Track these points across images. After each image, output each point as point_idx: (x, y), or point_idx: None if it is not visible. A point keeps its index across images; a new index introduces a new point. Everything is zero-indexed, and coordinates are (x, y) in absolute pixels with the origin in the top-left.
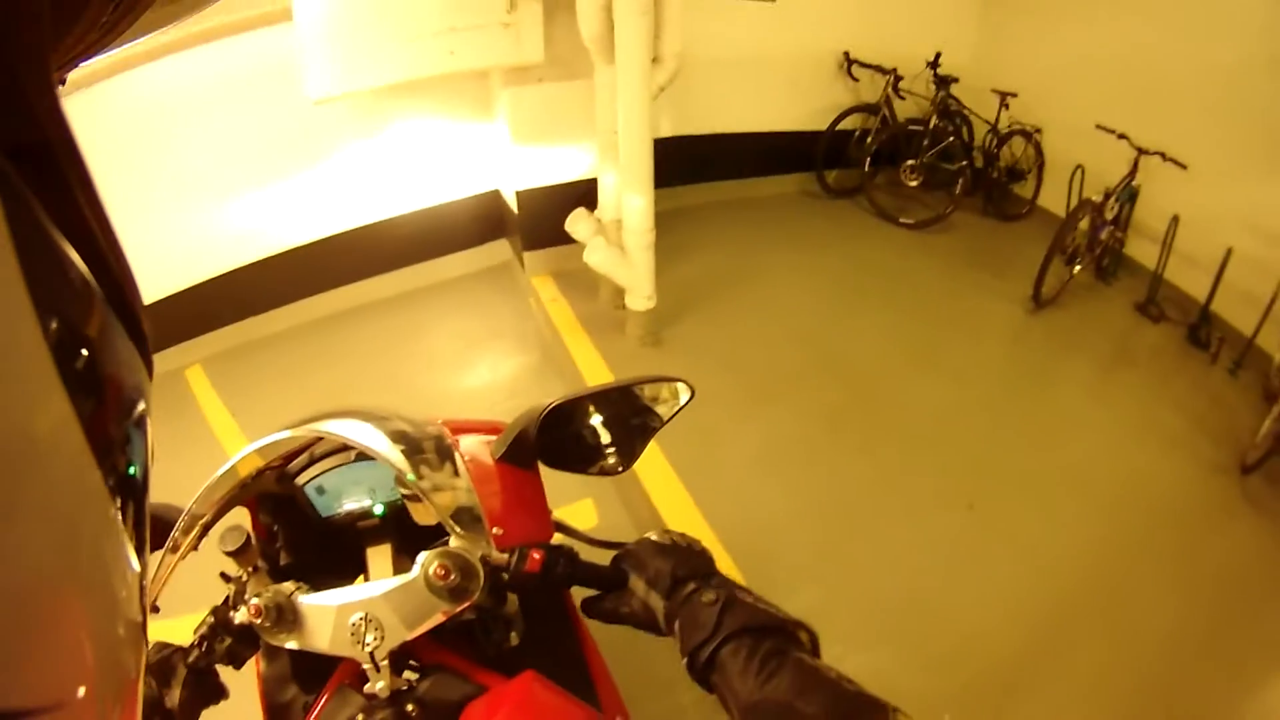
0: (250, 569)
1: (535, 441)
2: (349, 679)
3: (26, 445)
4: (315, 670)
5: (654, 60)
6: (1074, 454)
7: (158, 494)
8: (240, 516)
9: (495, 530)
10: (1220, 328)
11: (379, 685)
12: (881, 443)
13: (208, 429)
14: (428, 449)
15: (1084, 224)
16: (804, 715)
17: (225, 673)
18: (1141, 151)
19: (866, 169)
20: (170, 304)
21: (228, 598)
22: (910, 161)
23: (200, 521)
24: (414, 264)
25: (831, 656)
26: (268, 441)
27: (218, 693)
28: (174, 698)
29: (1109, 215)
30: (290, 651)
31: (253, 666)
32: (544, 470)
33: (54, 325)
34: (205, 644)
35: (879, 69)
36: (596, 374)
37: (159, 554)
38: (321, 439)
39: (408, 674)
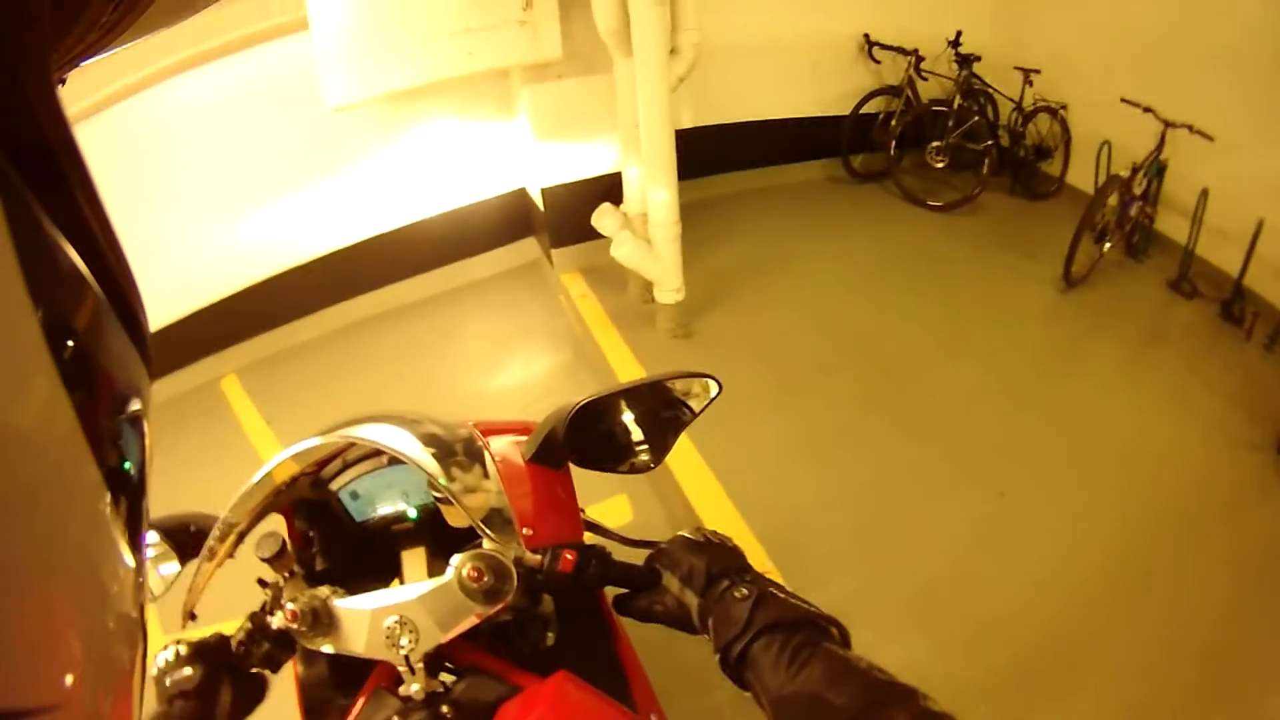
0: (286, 574)
1: (565, 441)
2: (385, 682)
3: (17, 423)
4: (352, 673)
5: (672, 51)
6: (1107, 435)
7: (197, 503)
8: (276, 523)
9: (525, 531)
10: (1254, 302)
11: (414, 688)
12: (913, 429)
13: (244, 437)
14: (458, 451)
15: (1113, 200)
16: (834, 706)
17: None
18: (1168, 124)
19: (892, 152)
20: (204, 316)
21: (264, 603)
22: (936, 143)
23: (236, 529)
24: (443, 266)
25: (864, 644)
26: (300, 449)
27: (263, 691)
28: (224, 704)
29: (1137, 190)
30: (327, 655)
31: (290, 670)
32: (576, 468)
33: (41, 312)
34: (243, 649)
35: (900, 50)
36: (628, 369)
37: (196, 562)
38: (354, 445)
39: (444, 676)
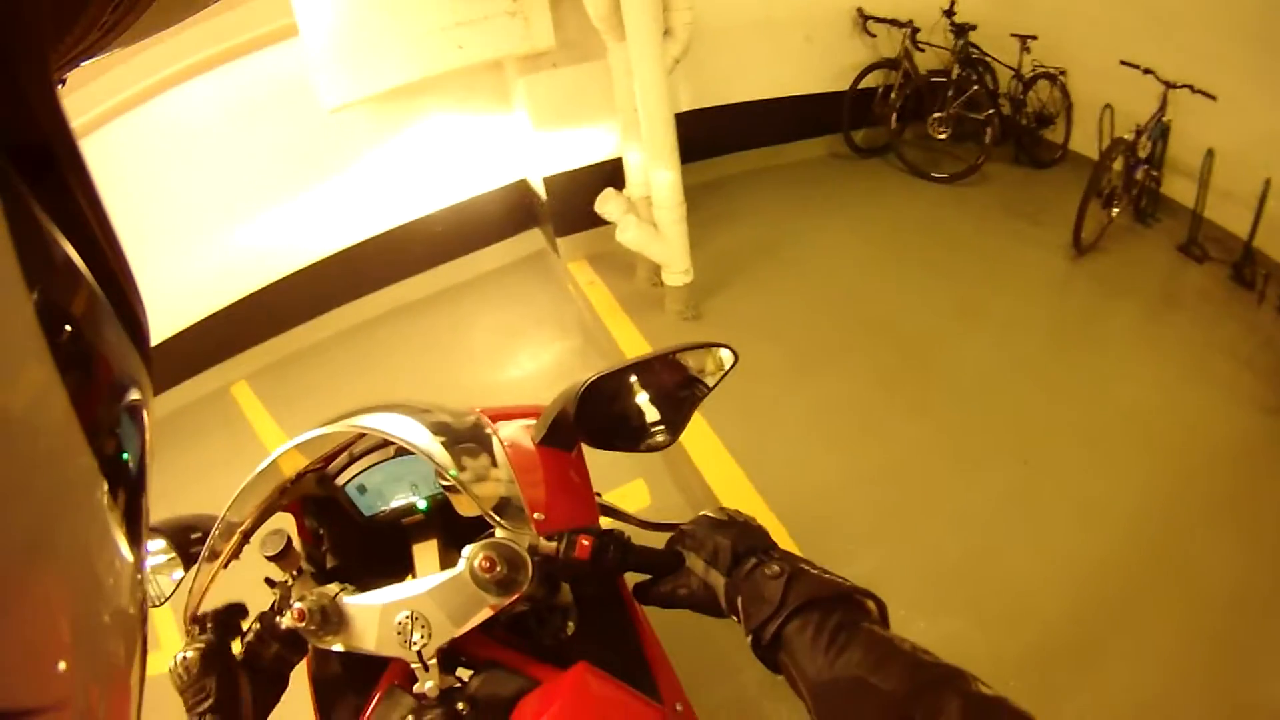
0: (294, 573)
1: (575, 421)
2: (399, 679)
3: (9, 406)
4: (366, 671)
5: (665, 33)
6: (1125, 402)
7: (212, 509)
8: (284, 522)
9: (537, 516)
10: (1265, 264)
11: (428, 685)
12: (930, 404)
13: (258, 443)
14: (466, 439)
15: (1118, 165)
16: (880, 691)
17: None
18: (1169, 85)
19: (893, 125)
20: (212, 323)
21: (273, 603)
22: (937, 114)
23: (239, 529)
24: (448, 261)
25: (895, 622)
26: (304, 439)
27: (284, 681)
28: (247, 709)
29: (1142, 154)
30: (340, 654)
31: (304, 669)
32: (594, 453)
33: (36, 298)
34: (253, 651)
35: (895, 22)
36: (639, 353)
37: (198, 563)
38: (360, 438)
39: (461, 671)
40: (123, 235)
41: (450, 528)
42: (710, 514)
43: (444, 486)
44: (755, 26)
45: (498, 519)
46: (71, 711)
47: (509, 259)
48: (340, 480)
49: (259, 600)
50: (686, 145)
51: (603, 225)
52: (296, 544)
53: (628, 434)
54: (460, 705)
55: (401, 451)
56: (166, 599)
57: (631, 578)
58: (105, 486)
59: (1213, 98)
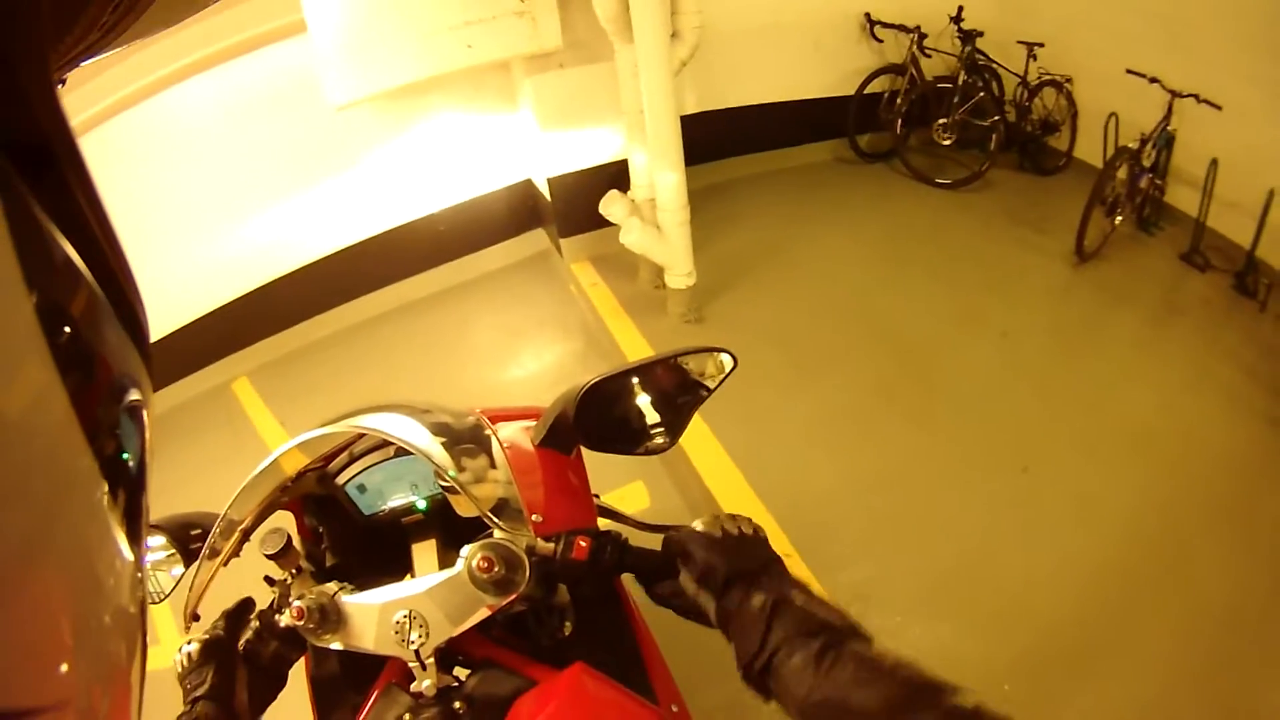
0: (293, 571)
1: (575, 424)
2: (396, 678)
3: (9, 407)
4: (364, 670)
5: (673, 36)
6: (1126, 410)
7: (211, 507)
8: (284, 521)
9: (535, 518)
10: (1267, 274)
11: (425, 684)
12: (932, 409)
13: (259, 439)
14: (465, 439)
15: (1122, 173)
16: (858, 709)
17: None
18: (1174, 94)
19: (899, 131)
20: (214, 319)
21: (272, 601)
22: (942, 120)
23: (240, 527)
24: (451, 260)
25: (890, 627)
26: (305, 439)
27: (282, 679)
28: (241, 701)
29: (1147, 162)
30: (339, 652)
31: (302, 667)
32: (593, 454)
33: (36, 298)
34: (252, 648)
35: (902, 28)
36: (641, 355)
37: (198, 561)
38: (360, 438)
39: (458, 670)
40: (128, 230)
41: (449, 528)
42: (700, 527)
43: (443, 487)
44: (762, 30)
45: (495, 520)
46: (73, 711)
47: (512, 259)
48: (340, 479)
49: (258, 598)
50: (692, 148)
51: (606, 227)
52: (296, 542)
53: (627, 437)
54: (457, 704)
55: (401, 451)
56: (166, 595)
57: (629, 579)
58: (105, 487)
59: (1218, 107)
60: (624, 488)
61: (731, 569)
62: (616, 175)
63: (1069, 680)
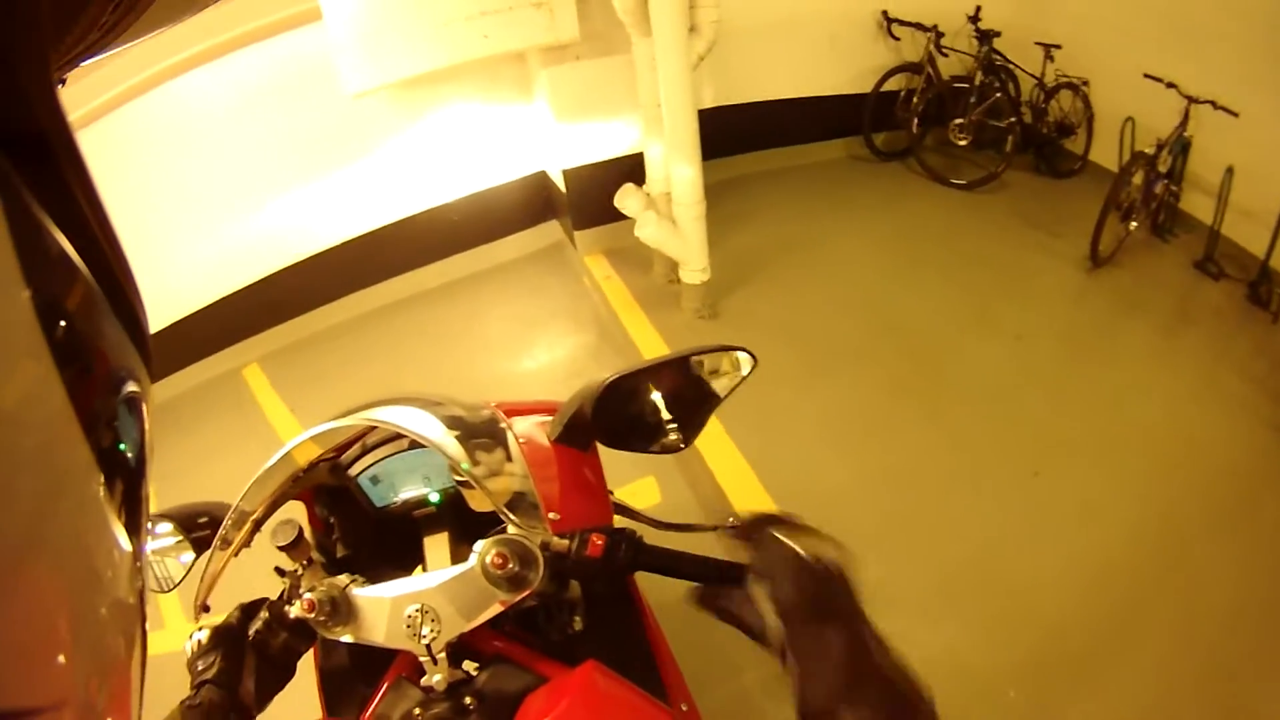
0: (304, 563)
1: (592, 420)
2: (406, 671)
3: (5, 399)
4: (373, 662)
5: (691, 30)
6: (1137, 417)
7: (219, 492)
8: (296, 511)
9: (552, 515)
10: None
11: (435, 678)
12: (943, 410)
13: (268, 426)
14: (481, 434)
15: (1137, 178)
16: None
17: None
18: (1191, 100)
19: (914, 130)
20: (225, 305)
21: (282, 592)
22: (958, 120)
23: (251, 517)
24: (465, 250)
25: (898, 630)
26: (318, 432)
27: (290, 670)
28: (248, 690)
29: (1162, 168)
30: (348, 644)
31: (311, 659)
32: (604, 450)
33: (32, 291)
34: (260, 639)
35: (919, 26)
36: (654, 350)
37: (209, 551)
38: (374, 429)
39: (468, 665)
40: (142, 215)
41: (462, 521)
42: (784, 537)
43: (458, 481)
44: (780, 26)
45: (511, 516)
46: (72, 709)
47: (526, 250)
48: (353, 471)
49: (268, 589)
50: (708, 142)
51: (621, 220)
52: (307, 533)
53: (643, 435)
54: (467, 699)
55: (415, 444)
56: (176, 585)
57: (643, 577)
58: (101, 479)
59: (1234, 114)
60: (635, 483)
61: (818, 604)
62: (632, 168)
63: (1073, 684)
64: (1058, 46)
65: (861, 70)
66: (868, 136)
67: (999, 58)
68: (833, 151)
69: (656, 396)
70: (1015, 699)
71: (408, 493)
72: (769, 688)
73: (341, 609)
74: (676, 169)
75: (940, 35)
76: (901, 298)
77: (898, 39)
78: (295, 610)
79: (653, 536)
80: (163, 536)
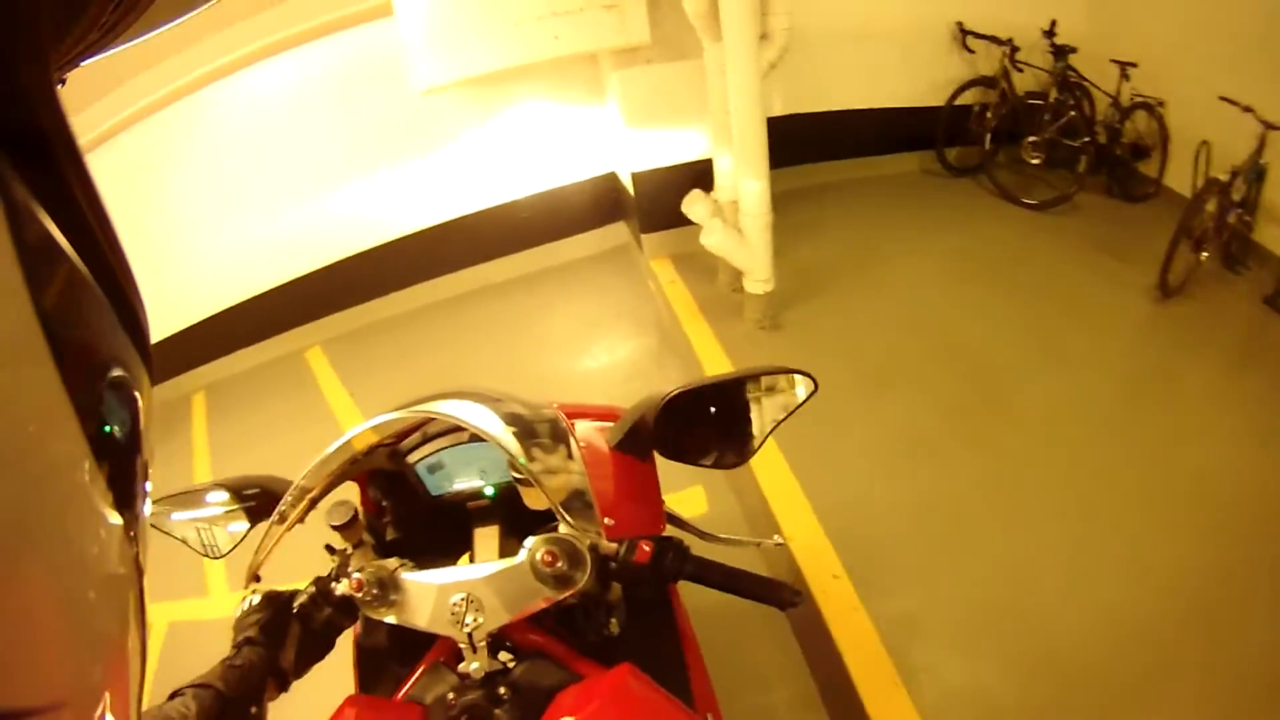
0: (355, 543)
1: (654, 431)
2: (444, 656)
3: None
4: (410, 645)
5: (762, 36)
6: (1196, 461)
7: (273, 466)
8: (349, 491)
9: (607, 520)
10: None
11: (473, 666)
12: (996, 440)
13: (326, 407)
14: (541, 433)
15: (1211, 206)
16: None
17: None
18: (1268, 126)
19: (987, 146)
20: (293, 288)
21: (331, 570)
22: (1031, 138)
23: (309, 495)
24: (533, 247)
25: (930, 663)
26: (380, 421)
27: (330, 644)
28: (288, 657)
29: (1236, 196)
30: (387, 625)
31: (349, 634)
32: (660, 460)
33: (31, 297)
34: (305, 612)
35: (994, 39)
36: (713, 358)
37: (265, 524)
38: (435, 419)
39: (504, 656)
40: (215, 196)
41: (512, 517)
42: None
43: (515, 478)
44: (854, 34)
45: (566, 515)
46: (72, 711)
47: (593, 250)
48: (412, 458)
49: (314, 562)
50: (778, 150)
51: (688, 225)
52: (360, 515)
53: (700, 449)
54: (502, 689)
55: (475, 438)
56: (224, 554)
57: (684, 586)
58: (87, 465)
59: None
60: (683, 491)
61: None
62: (701, 174)
63: None
64: (1134, 65)
65: (936, 82)
66: (940, 151)
67: (1074, 74)
68: (905, 165)
69: (716, 412)
70: None
71: (463, 484)
72: (795, 706)
73: (389, 591)
74: (744, 178)
75: (1015, 49)
76: (963, 320)
77: (972, 51)
78: (342, 588)
79: (699, 547)
80: (215, 505)
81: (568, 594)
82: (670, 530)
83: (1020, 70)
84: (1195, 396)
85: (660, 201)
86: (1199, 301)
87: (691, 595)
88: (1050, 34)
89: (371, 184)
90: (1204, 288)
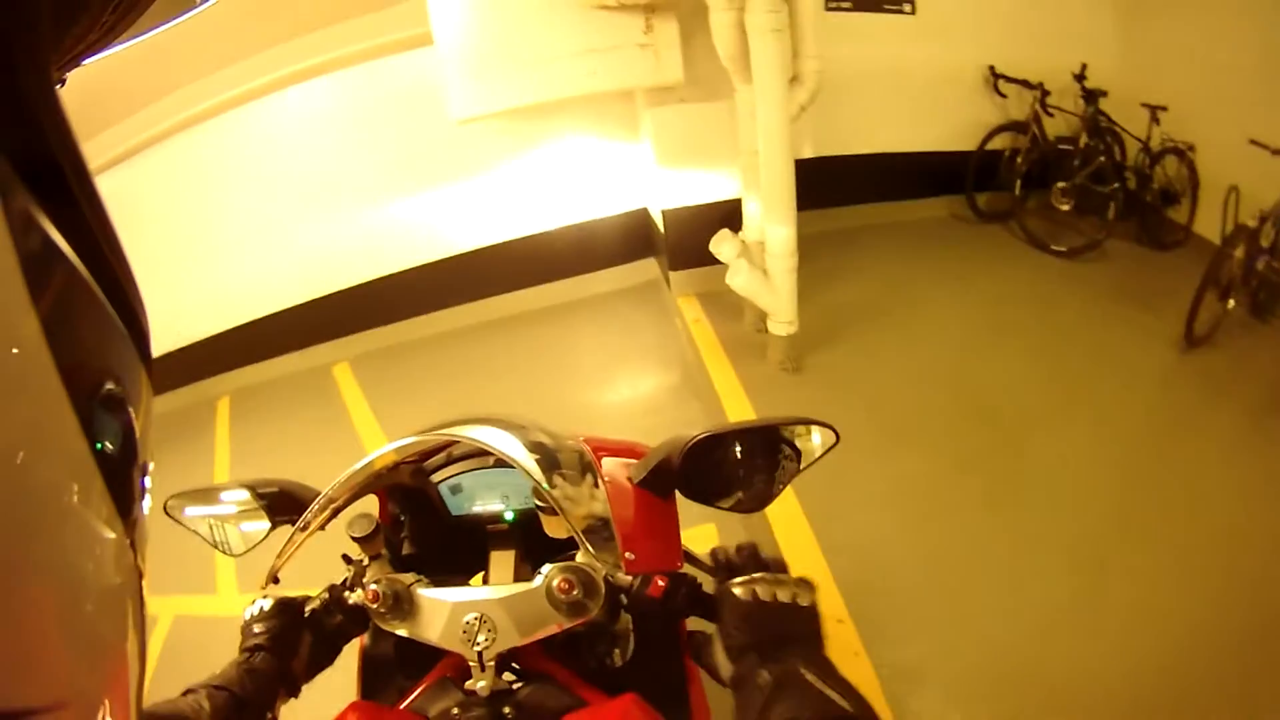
0: (372, 555)
1: (677, 471)
2: (451, 672)
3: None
4: (417, 657)
5: (793, 79)
6: (1218, 518)
7: (295, 475)
8: (368, 503)
9: (628, 555)
10: None
11: (480, 684)
12: (1013, 491)
13: (349, 423)
14: (568, 463)
15: (1239, 253)
16: None
17: None
18: None
19: (1017, 192)
20: (325, 303)
21: (346, 578)
22: (1061, 184)
23: (332, 505)
24: (562, 279)
25: (931, 713)
26: (407, 443)
27: (338, 650)
28: (300, 664)
29: (1265, 242)
30: (395, 637)
31: (355, 644)
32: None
33: (37, 313)
34: (316, 617)
35: (1026, 84)
36: (734, 398)
37: (287, 529)
38: (461, 440)
39: (509, 676)
40: (251, 210)
41: (528, 544)
42: (740, 588)
43: (539, 506)
44: (885, 78)
45: (588, 544)
46: (72, 711)
47: (621, 285)
48: (435, 477)
49: (323, 566)
50: (807, 192)
51: (716, 264)
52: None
53: (720, 492)
54: (506, 709)
55: (500, 463)
56: (239, 554)
57: (695, 624)
58: (91, 476)
59: None
60: (696, 528)
61: (753, 636)
62: (731, 213)
63: None
64: (1164, 109)
65: (966, 127)
66: (970, 196)
67: (1104, 119)
68: (934, 209)
69: (737, 459)
70: None
71: (483, 507)
72: None
73: (403, 604)
74: (770, 220)
75: (1046, 94)
76: (986, 369)
77: (1004, 96)
78: (355, 597)
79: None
80: (233, 504)
81: (580, 622)
82: (688, 569)
83: (1051, 115)
84: (1218, 450)
85: (689, 239)
86: (1225, 351)
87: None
88: (1081, 78)
89: (408, 207)
90: (1231, 337)
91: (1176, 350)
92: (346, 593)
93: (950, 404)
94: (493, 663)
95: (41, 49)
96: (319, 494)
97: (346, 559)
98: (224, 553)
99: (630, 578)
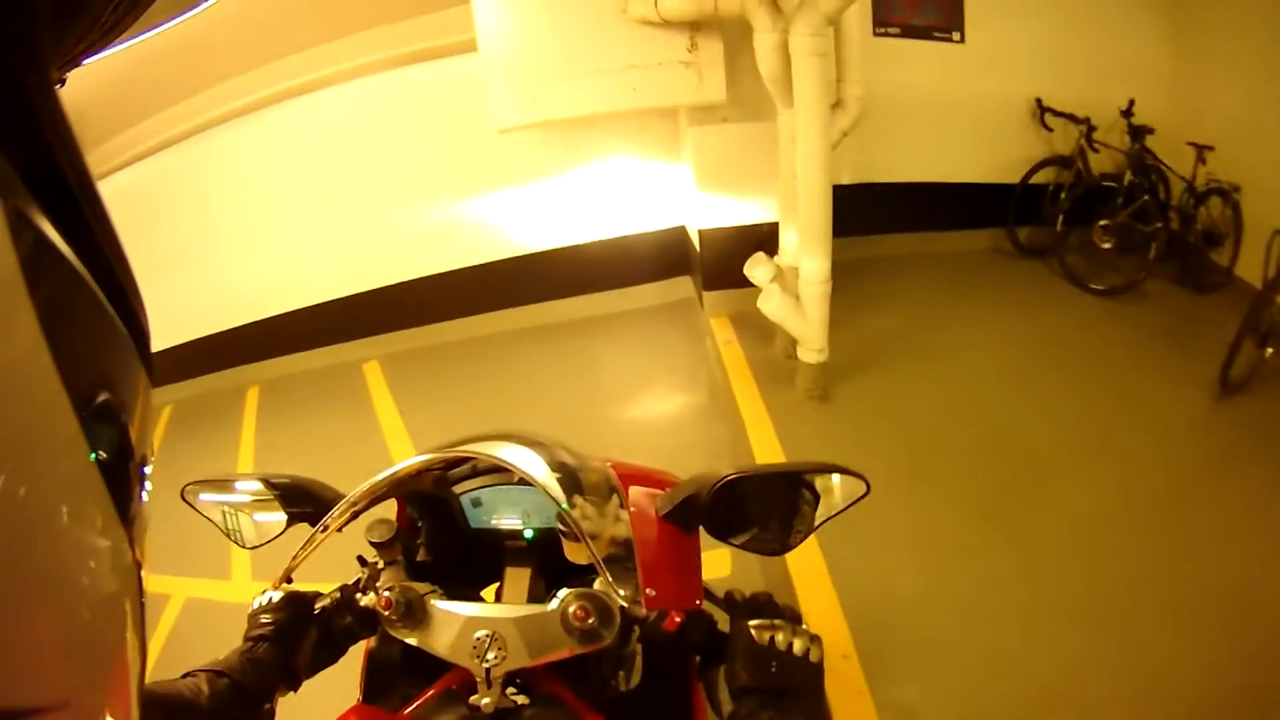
0: (388, 560)
1: (704, 508)
2: (456, 685)
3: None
4: (422, 665)
5: (836, 104)
6: (1241, 573)
7: (316, 470)
8: (386, 505)
9: (649, 591)
10: None
11: (485, 700)
12: (1033, 538)
13: (375, 421)
14: (590, 487)
15: None
16: None
17: None
18: None
19: (1059, 228)
20: (359, 300)
21: (359, 580)
22: (1104, 222)
23: (353, 507)
24: (596, 292)
25: None
26: (430, 458)
27: (343, 649)
28: (303, 658)
29: None
30: (404, 644)
31: (361, 646)
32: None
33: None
34: (325, 616)
35: (1072, 118)
36: (759, 424)
37: (304, 528)
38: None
39: (511, 691)
40: (296, 201)
41: (545, 563)
42: (754, 630)
43: (561, 530)
44: (930, 107)
45: (608, 574)
46: (73, 709)
47: (655, 301)
48: (458, 489)
49: (335, 564)
50: (845, 219)
51: (750, 286)
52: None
53: (744, 532)
54: None
55: (524, 480)
56: (253, 546)
57: None
58: (91, 479)
59: None
60: (707, 553)
61: (760, 680)
62: (767, 236)
63: None
64: (1210, 148)
65: (1010, 160)
66: (1011, 230)
67: (1150, 156)
68: (975, 242)
69: (765, 500)
70: None
71: (503, 522)
72: None
73: (415, 613)
74: (805, 247)
75: (1093, 129)
76: (1015, 406)
77: (1050, 129)
78: (367, 600)
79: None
80: (247, 494)
81: (591, 649)
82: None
83: (1096, 151)
84: (1247, 503)
85: (725, 260)
86: (1260, 400)
87: None
88: (1128, 113)
89: (446, 211)
90: (1268, 386)
91: (1210, 396)
92: (358, 595)
93: (977, 441)
94: (499, 680)
95: (42, 49)
96: (334, 491)
97: (361, 561)
98: (236, 543)
99: (645, 610)
